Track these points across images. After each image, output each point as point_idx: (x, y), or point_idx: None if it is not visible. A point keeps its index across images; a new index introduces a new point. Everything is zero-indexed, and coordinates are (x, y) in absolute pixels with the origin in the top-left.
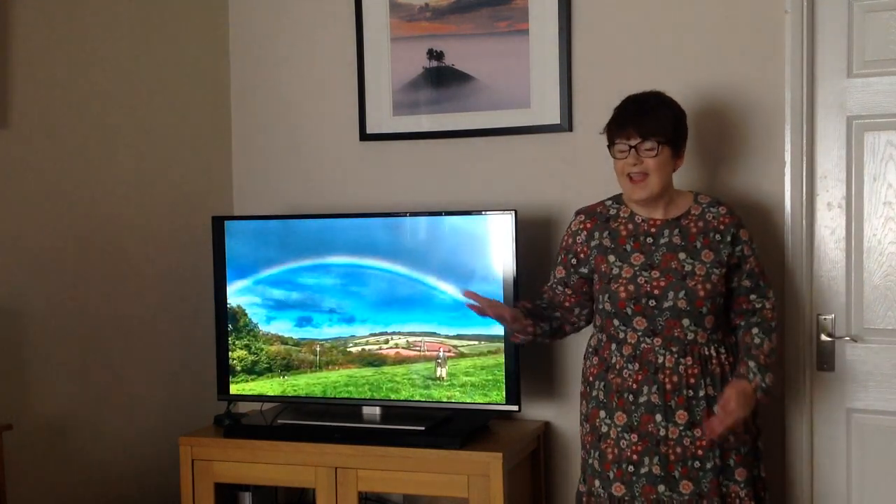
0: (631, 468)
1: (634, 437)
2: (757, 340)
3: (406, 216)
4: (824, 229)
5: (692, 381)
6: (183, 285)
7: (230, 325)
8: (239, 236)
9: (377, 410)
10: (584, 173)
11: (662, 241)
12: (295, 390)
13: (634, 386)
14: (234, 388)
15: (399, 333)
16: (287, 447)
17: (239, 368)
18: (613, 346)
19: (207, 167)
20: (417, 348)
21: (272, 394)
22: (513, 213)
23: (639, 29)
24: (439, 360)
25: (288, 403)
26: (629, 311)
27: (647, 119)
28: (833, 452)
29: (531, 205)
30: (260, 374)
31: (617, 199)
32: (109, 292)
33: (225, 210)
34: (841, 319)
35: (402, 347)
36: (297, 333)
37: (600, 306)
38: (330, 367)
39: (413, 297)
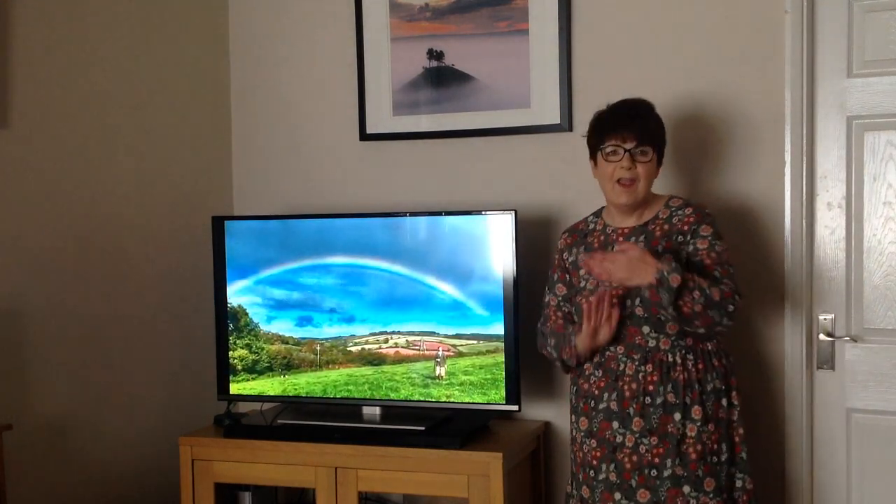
0: (592, 473)
1: (594, 443)
2: (699, 276)
3: (406, 216)
4: (824, 229)
5: (650, 388)
6: (183, 285)
7: (231, 325)
8: (239, 236)
9: (377, 410)
10: (584, 173)
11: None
12: (295, 389)
13: (596, 392)
14: (235, 387)
15: (398, 333)
16: (287, 447)
17: (240, 367)
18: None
19: (207, 167)
20: (417, 347)
21: (273, 393)
22: (513, 213)
23: (639, 29)
24: (438, 360)
25: (288, 403)
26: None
27: (643, 123)
28: (833, 452)
29: (531, 205)
30: (261, 373)
31: (598, 213)
32: (109, 292)
33: (225, 210)
34: (841, 319)
35: (402, 347)
36: (297, 333)
37: (575, 317)
38: (330, 366)
39: (412, 296)
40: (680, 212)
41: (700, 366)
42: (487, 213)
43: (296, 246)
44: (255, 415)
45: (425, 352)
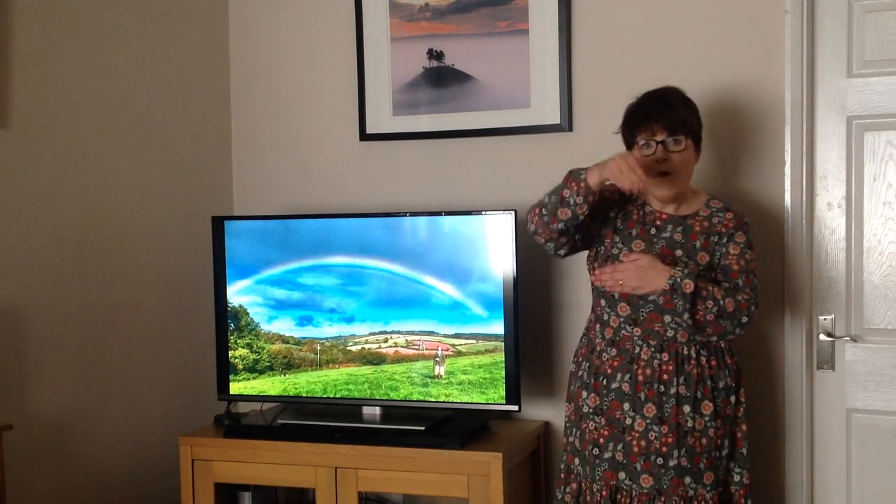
0: (596, 451)
1: (602, 421)
2: (713, 285)
3: (406, 216)
4: (824, 229)
5: (665, 377)
6: (183, 285)
7: (232, 325)
8: (239, 236)
9: (377, 410)
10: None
11: (664, 234)
12: (296, 388)
13: (609, 371)
14: (236, 387)
15: (398, 332)
16: (287, 447)
17: (241, 367)
18: (598, 328)
19: (207, 167)
20: (416, 347)
21: (273, 392)
22: (513, 213)
23: (639, 29)
24: (437, 359)
25: (288, 403)
26: (615, 294)
27: (673, 113)
28: (833, 452)
29: (531, 205)
30: (261, 372)
31: None
32: (109, 292)
33: (225, 210)
34: (841, 319)
35: (401, 346)
36: (297, 332)
37: (595, 283)
38: (330, 365)
39: (412, 296)
40: (721, 214)
41: (713, 362)
42: (487, 213)
43: (296, 246)
44: (255, 415)
45: (425, 351)
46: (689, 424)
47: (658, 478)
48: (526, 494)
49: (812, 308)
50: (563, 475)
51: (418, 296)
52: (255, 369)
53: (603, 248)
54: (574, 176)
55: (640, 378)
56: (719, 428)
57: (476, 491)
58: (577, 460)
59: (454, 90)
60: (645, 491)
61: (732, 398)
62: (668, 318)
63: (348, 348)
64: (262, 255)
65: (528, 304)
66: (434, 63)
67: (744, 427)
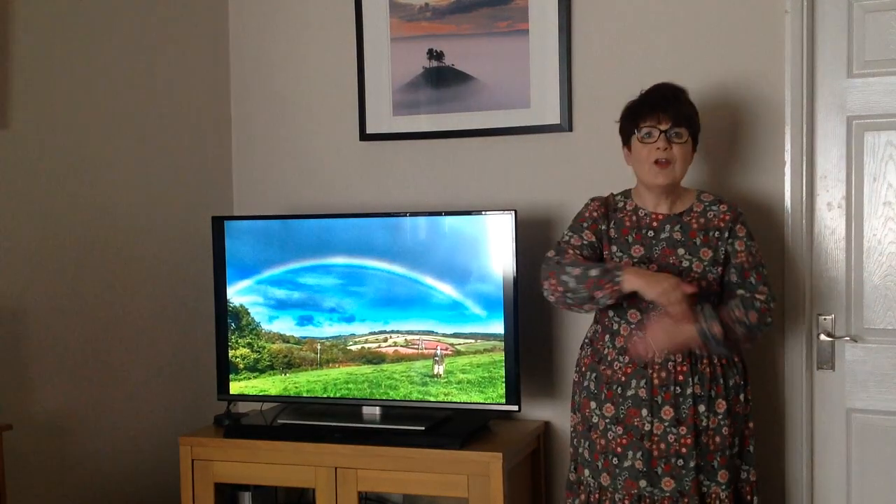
0: (615, 460)
1: (620, 430)
2: (731, 306)
3: (406, 216)
4: (824, 229)
5: (680, 378)
6: (183, 285)
7: (233, 324)
8: (240, 237)
9: (377, 410)
10: (584, 173)
11: (663, 235)
12: (296, 387)
13: (623, 378)
14: (237, 386)
15: (398, 332)
16: (287, 447)
17: (242, 366)
18: (607, 338)
19: (207, 167)
20: (415, 346)
21: (274, 391)
22: (513, 213)
23: (639, 29)
24: (437, 358)
25: (288, 403)
26: (624, 303)
27: (679, 106)
28: (833, 452)
29: (531, 205)
30: (262, 371)
31: (626, 193)
32: (109, 292)
33: (225, 210)
34: (841, 319)
35: (401, 345)
36: (298, 332)
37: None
38: (330, 364)
39: (412, 296)
40: (715, 207)
41: (723, 360)
42: (487, 213)
43: (296, 246)
44: (255, 415)
45: (424, 350)
46: (704, 423)
47: (679, 479)
48: (526, 494)
49: (812, 308)
50: (574, 486)
51: (418, 296)
52: (255, 368)
53: (604, 259)
54: (609, 278)
55: (656, 382)
56: (730, 426)
57: (476, 491)
58: (586, 471)
59: (454, 90)
60: (667, 494)
61: (741, 396)
62: None
63: (348, 348)
64: (262, 255)
65: (528, 304)
66: (434, 63)
67: (751, 425)
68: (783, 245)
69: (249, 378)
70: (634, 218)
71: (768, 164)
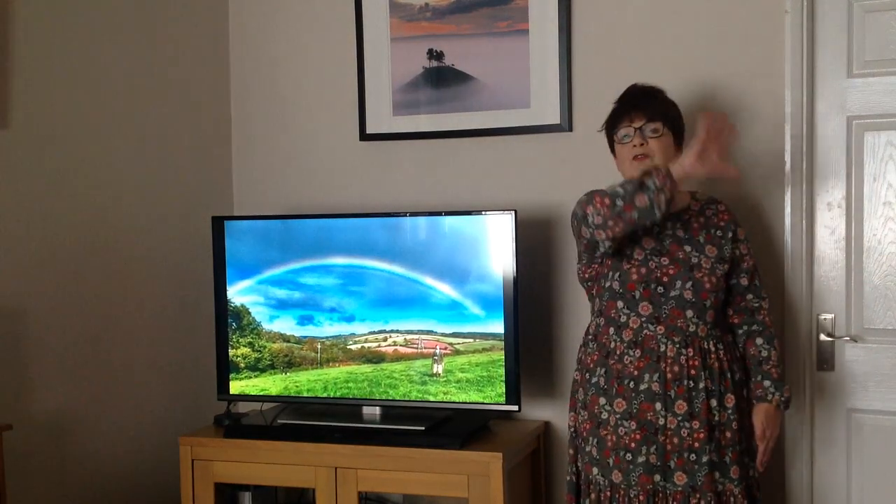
0: (629, 456)
1: (633, 425)
2: (764, 353)
3: (406, 216)
4: (824, 229)
5: (693, 372)
6: (183, 285)
7: (234, 324)
8: (240, 237)
9: (377, 410)
10: (584, 173)
11: (667, 231)
12: (297, 386)
13: (636, 373)
14: (238, 385)
15: (397, 331)
16: (287, 447)
17: (243, 365)
18: (612, 331)
19: (207, 167)
20: (415, 346)
21: (275, 390)
22: (513, 213)
23: (638, 29)
24: (436, 357)
25: (288, 403)
26: (637, 294)
27: (651, 102)
28: (833, 452)
29: (531, 205)
30: (263, 370)
31: None
32: (109, 292)
33: (225, 210)
34: (841, 319)
35: (400, 345)
36: (298, 331)
37: (607, 284)
38: (330, 363)
39: (411, 296)
40: (712, 206)
41: (729, 355)
42: (487, 213)
43: (296, 246)
44: (255, 415)
45: (423, 350)
46: (716, 418)
47: (692, 474)
48: (526, 494)
49: (812, 308)
50: (576, 487)
51: (417, 295)
52: (256, 368)
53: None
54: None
55: (669, 376)
56: (739, 421)
57: (476, 491)
58: (595, 469)
59: (454, 90)
60: (679, 488)
61: (744, 391)
62: (689, 313)
63: (348, 347)
64: (262, 256)
65: (528, 304)
66: (434, 63)
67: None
68: (783, 245)
69: (250, 377)
70: None
71: (768, 164)
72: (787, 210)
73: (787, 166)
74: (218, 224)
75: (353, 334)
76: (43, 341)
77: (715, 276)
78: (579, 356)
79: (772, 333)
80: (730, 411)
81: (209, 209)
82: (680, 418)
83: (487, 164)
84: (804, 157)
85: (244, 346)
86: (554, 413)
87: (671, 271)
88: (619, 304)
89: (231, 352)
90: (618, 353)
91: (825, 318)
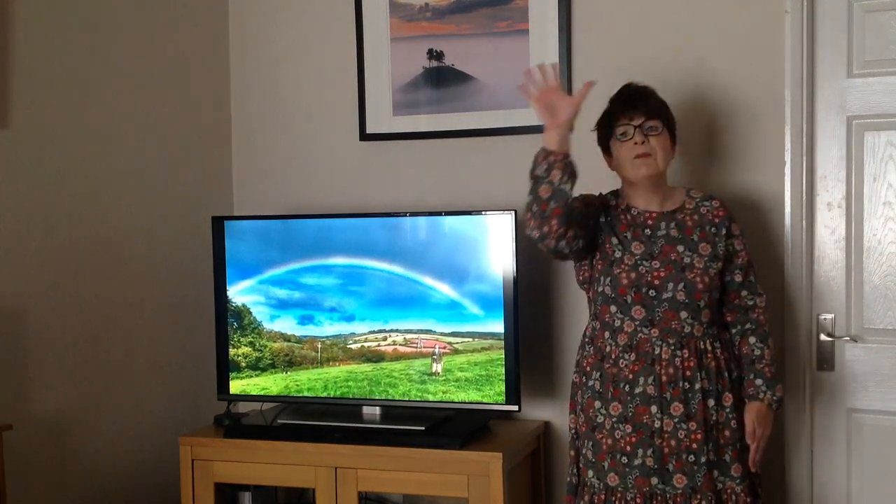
0: (624, 459)
1: (629, 428)
2: (757, 351)
3: (406, 216)
4: (824, 229)
5: (688, 373)
6: (183, 285)
7: (236, 323)
8: (240, 237)
9: (377, 410)
10: (583, 173)
11: (660, 233)
12: (297, 385)
13: (630, 376)
14: (240, 384)
15: (397, 331)
16: (287, 447)
17: (244, 365)
18: (607, 335)
19: (207, 167)
20: (414, 345)
21: (276, 388)
22: (513, 213)
23: (638, 30)
24: (435, 357)
25: (288, 403)
26: (629, 298)
27: (648, 100)
28: (833, 452)
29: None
30: (264, 370)
31: (614, 193)
32: (109, 292)
33: (225, 210)
34: (841, 319)
35: (400, 344)
36: (299, 331)
37: (600, 289)
38: (331, 363)
39: (411, 296)
40: (707, 203)
41: (726, 354)
42: (487, 213)
43: (296, 246)
44: (255, 415)
45: (422, 349)
46: (714, 418)
47: (692, 476)
48: (526, 494)
49: (812, 308)
50: (576, 488)
51: (417, 295)
52: (257, 367)
53: (605, 252)
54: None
55: (664, 378)
56: (738, 419)
57: (476, 491)
58: (590, 472)
59: (454, 90)
60: (679, 491)
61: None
62: (684, 315)
63: (348, 346)
64: (262, 255)
65: (528, 304)
66: (434, 63)
67: None
68: (783, 245)
69: (251, 376)
70: (629, 217)
71: (768, 164)
72: (787, 210)
73: (787, 166)
74: (218, 224)
75: (353, 334)
76: (43, 341)
77: (708, 276)
78: (577, 359)
79: (766, 332)
80: (728, 410)
81: (209, 209)
82: (676, 420)
83: (487, 164)
84: (804, 157)
85: (245, 345)
86: (554, 413)
87: (662, 274)
88: (613, 308)
89: (232, 351)
90: (613, 356)
91: (825, 318)
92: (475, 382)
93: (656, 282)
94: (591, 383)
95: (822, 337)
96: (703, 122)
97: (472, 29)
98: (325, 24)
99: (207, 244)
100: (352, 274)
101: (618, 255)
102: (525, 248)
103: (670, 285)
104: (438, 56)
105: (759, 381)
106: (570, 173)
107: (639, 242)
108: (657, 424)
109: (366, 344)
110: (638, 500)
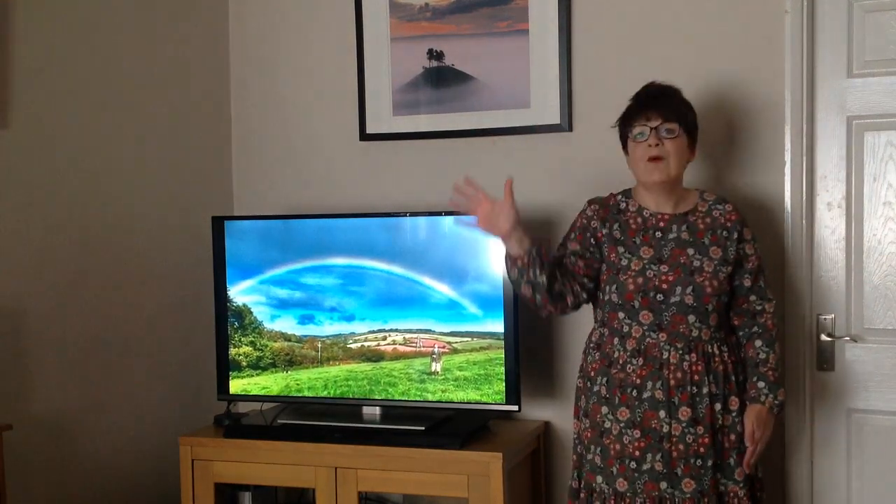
0: (633, 464)
1: (637, 433)
2: (762, 355)
3: (406, 216)
4: (824, 229)
5: (696, 377)
6: (183, 285)
7: (237, 323)
8: (240, 237)
9: (377, 410)
10: (584, 173)
11: (671, 236)
12: (298, 384)
13: (638, 381)
14: (241, 383)
15: (396, 330)
16: (287, 447)
17: (245, 364)
18: (616, 341)
19: (207, 167)
20: (413, 344)
21: (276, 388)
22: None
23: (638, 29)
24: (434, 356)
25: (288, 403)
26: (636, 303)
27: (669, 102)
28: (833, 452)
29: (531, 205)
30: (265, 369)
31: (626, 193)
32: (109, 292)
33: (225, 210)
34: (841, 319)
35: (399, 344)
36: (299, 331)
37: (606, 297)
38: (331, 362)
39: (410, 296)
40: (720, 206)
41: (733, 357)
42: None
43: (296, 246)
44: (255, 415)
45: (422, 348)
46: (721, 422)
47: (700, 480)
48: (526, 494)
49: (812, 308)
50: (582, 495)
51: (417, 296)
52: (258, 366)
53: (610, 262)
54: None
55: (673, 382)
56: (742, 423)
57: (476, 491)
58: (599, 478)
59: (454, 90)
60: (688, 495)
61: None
62: (692, 318)
63: (348, 346)
64: (262, 255)
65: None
66: (434, 63)
67: None
68: (783, 245)
69: (252, 375)
70: (640, 219)
71: (768, 164)
72: (787, 210)
73: (787, 166)
74: (218, 224)
75: (353, 333)
76: (43, 341)
77: (717, 280)
78: (582, 364)
79: (773, 336)
80: (734, 414)
81: (209, 209)
82: (684, 424)
83: (487, 164)
84: (804, 157)
85: (246, 344)
86: (554, 413)
87: (670, 278)
88: (621, 314)
89: (234, 350)
90: (620, 362)
91: (825, 318)
92: (474, 382)
93: (664, 286)
94: (596, 388)
95: (822, 337)
96: (703, 122)
97: (472, 29)
98: (325, 24)
99: (207, 244)
100: (352, 274)
101: (624, 262)
102: None
103: (678, 289)
104: (438, 56)
105: (761, 384)
106: (540, 265)
107: (648, 247)
108: (665, 429)
109: (365, 343)
110: None
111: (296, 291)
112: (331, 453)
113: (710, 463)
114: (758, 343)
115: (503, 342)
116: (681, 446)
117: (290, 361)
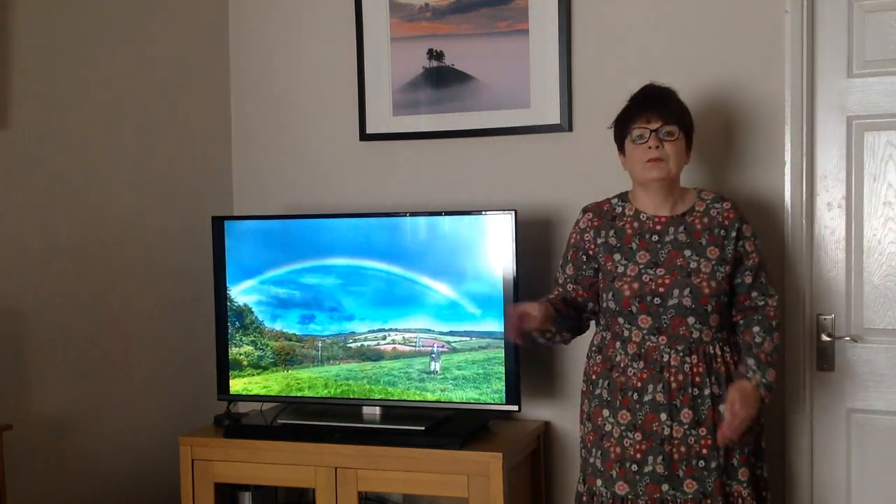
0: (634, 467)
1: (638, 436)
2: (758, 339)
3: (406, 216)
4: (824, 229)
5: (697, 379)
6: (183, 285)
7: (238, 323)
8: (240, 237)
9: (377, 410)
10: (584, 173)
11: (668, 238)
12: (298, 383)
13: (639, 384)
14: (241, 382)
15: (396, 330)
16: (287, 447)
17: (245, 363)
18: (618, 345)
19: (207, 167)
20: (413, 344)
21: (277, 387)
22: (513, 213)
23: (639, 29)
24: (433, 355)
25: (288, 403)
26: (634, 308)
27: (668, 104)
28: (833, 452)
29: (531, 205)
30: (265, 368)
31: (623, 196)
32: (110, 292)
33: (225, 210)
34: (841, 319)
35: (399, 343)
36: (300, 330)
37: (604, 304)
38: (331, 361)
39: (410, 296)
40: (717, 205)
41: (734, 358)
42: (487, 213)
43: (296, 246)
44: (256, 415)
45: (421, 348)
46: None
47: (702, 481)
48: (526, 494)
49: (812, 308)
50: (584, 499)
51: (416, 295)
52: (259, 366)
53: (606, 271)
54: None
55: (674, 385)
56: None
57: (476, 491)
58: (598, 481)
59: (454, 90)
60: (690, 497)
61: None
62: (691, 320)
63: (348, 345)
64: (262, 255)
65: None
66: (434, 63)
67: (761, 421)
68: (783, 245)
69: (253, 375)
70: (636, 224)
71: (768, 164)
72: (787, 210)
73: (787, 166)
74: (218, 224)
75: (353, 333)
76: (43, 341)
77: (715, 280)
78: (585, 368)
79: (772, 325)
80: None
81: (209, 209)
82: (686, 427)
83: (487, 164)
84: (804, 157)
85: (247, 344)
86: (554, 413)
87: (667, 281)
88: (620, 319)
89: (234, 350)
90: (622, 365)
91: (825, 318)
92: (473, 381)
93: (661, 289)
94: (598, 392)
95: (823, 337)
96: (704, 122)
97: (472, 29)
98: (325, 24)
99: (207, 244)
100: (351, 274)
101: (620, 269)
102: (525, 248)
103: (676, 291)
104: (438, 56)
105: (751, 361)
106: (559, 330)
107: (644, 251)
108: (667, 432)
109: (365, 343)
110: None
111: (296, 291)
112: (331, 453)
113: (713, 464)
114: (755, 329)
115: (503, 342)
116: (682, 448)
117: (291, 361)
